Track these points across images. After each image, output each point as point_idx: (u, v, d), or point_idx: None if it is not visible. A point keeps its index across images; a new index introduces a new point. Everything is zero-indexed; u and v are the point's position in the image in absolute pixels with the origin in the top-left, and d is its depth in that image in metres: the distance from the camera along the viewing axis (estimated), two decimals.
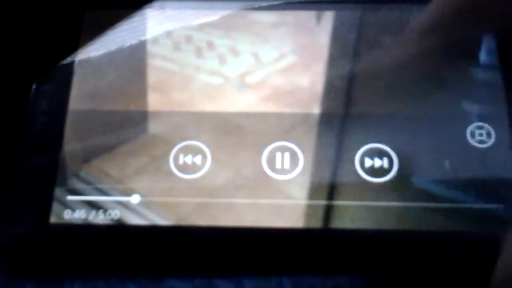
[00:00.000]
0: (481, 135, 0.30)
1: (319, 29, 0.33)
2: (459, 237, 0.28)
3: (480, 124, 0.30)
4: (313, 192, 0.29)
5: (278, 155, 0.30)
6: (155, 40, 0.33)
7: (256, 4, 0.34)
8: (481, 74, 0.31)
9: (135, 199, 0.29)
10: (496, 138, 0.30)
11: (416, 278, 0.28)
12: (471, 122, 0.30)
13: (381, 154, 0.30)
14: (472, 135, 0.30)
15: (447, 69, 0.32)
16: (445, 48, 0.32)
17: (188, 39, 0.33)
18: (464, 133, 0.30)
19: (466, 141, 0.30)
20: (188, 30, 0.33)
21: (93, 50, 0.33)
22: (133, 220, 0.29)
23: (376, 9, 0.33)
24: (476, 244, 0.28)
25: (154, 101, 0.32)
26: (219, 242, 0.28)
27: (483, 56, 0.32)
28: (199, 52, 0.33)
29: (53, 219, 0.29)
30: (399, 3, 0.33)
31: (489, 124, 0.30)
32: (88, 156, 0.30)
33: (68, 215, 0.29)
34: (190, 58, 0.33)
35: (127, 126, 0.31)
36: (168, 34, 0.33)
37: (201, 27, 0.33)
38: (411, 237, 0.28)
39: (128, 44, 0.33)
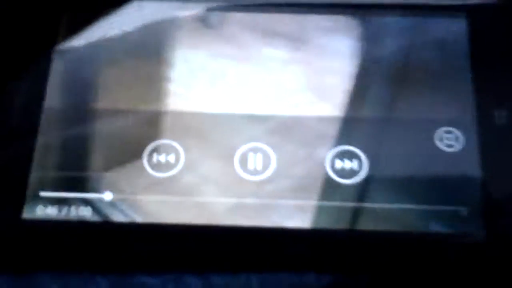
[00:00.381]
0: (449, 139, 0.31)
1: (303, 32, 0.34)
2: (425, 237, 0.29)
3: (449, 128, 0.31)
4: (284, 193, 0.30)
5: (251, 155, 0.31)
6: (132, 39, 0.33)
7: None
8: (451, 78, 0.32)
9: (107, 196, 0.30)
10: (464, 142, 0.31)
11: (384, 277, 0.29)
12: (440, 126, 0.31)
13: (351, 156, 0.30)
14: (440, 139, 0.31)
15: (418, 72, 0.32)
16: (414, 50, 0.32)
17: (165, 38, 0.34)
18: (432, 137, 0.31)
19: (434, 145, 0.31)
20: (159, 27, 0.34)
21: (70, 48, 0.33)
22: (105, 217, 0.29)
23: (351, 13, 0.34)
24: (442, 245, 0.28)
25: (129, 100, 0.32)
26: (189, 239, 0.29)
27: (453, 59, 0.32)
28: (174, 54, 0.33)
29: (25, 215, 0.29)
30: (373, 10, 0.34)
31: (457, 128, 0.31)
32: (61, 153, 0.31)
33: (41, 211, 0.29)
34: (165, 57, 0.33)
35: (101, 123, 0.31)
36: (144, 31, 0.34)
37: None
38: (380, 237, 0.29)
39: (104, 43, 0.33)
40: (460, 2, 0.34)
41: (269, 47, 0.33)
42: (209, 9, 0.34)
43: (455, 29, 0.33)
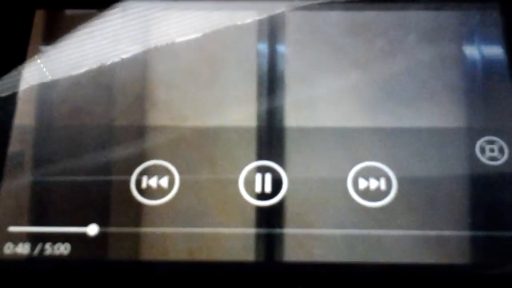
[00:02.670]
0: (492, 151, 0.26)
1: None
2: (471, 271, 0.24)
3: (491, 138, 0.26)
4: (299, 220, 0.25)
5: (258, 176, 0.26)
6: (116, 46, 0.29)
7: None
8: (487, 80, 0.28)
9: (92, 230, 0.25)
10: (510, 154, 0.26)
11: None
12: (481, 137, 0.26)
13: (377, 173, 0.26)
14: (482, 151, 0.26)
15: (453, 78, 0.28)
16: (452, 55, 0.28)
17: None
18: (473, 148, 0.26)
19: (476, 158, 0.26)
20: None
21: (45, 56, 0.29)
22: (89, 254, 0.25)
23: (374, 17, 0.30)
24: (493, 279, 0.24)
25: (111, 114, 0.28)
26: (188, 278, 0.24)
27: (493, 65, 0.28)
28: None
29: None
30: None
31: (501, 138, 0.26)
32: (35, 179, 0.26)
33: (9, 249, 0.25)
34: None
35: (81, 143, 0.27)
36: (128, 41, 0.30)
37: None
38: (416, 271, 0.24)
39: (85, 49, 0.29)
40: None
41: None
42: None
43: (488, 23, 0.29)
